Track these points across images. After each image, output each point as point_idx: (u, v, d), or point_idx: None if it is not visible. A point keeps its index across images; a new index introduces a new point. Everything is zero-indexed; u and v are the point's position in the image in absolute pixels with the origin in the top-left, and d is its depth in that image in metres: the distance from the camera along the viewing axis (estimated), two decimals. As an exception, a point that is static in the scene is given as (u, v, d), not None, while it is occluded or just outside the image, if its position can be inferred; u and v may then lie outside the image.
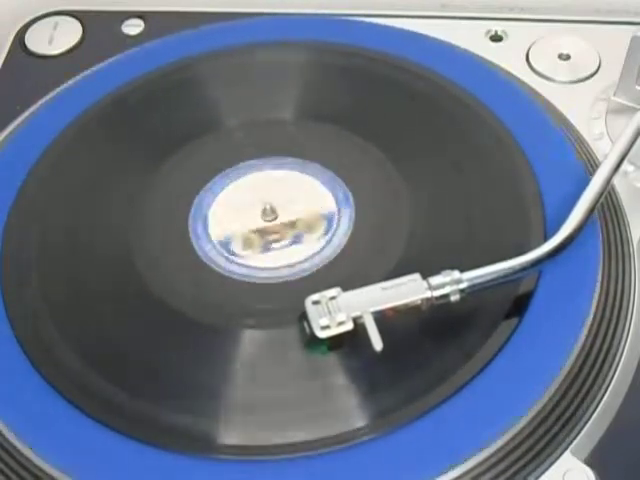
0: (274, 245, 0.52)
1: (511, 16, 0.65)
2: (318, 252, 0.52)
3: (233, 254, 0.52)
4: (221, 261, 0.52)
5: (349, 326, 0.44)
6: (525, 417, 0.44)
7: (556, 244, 0.47)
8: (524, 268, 0.46)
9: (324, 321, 0.44)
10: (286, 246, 0.52)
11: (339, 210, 0.53)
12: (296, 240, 0.52)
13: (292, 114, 0.59)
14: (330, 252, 0.52)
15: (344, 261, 0.51)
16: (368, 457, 0.43)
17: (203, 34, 0.63)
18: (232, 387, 0.46)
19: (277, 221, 0.53)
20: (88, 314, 0.50)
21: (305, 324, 0.45)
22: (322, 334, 0.44)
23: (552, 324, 0.47)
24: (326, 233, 0.52)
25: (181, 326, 0.49)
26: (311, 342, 0.45)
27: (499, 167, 0.54)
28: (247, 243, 0.53)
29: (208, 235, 0.53)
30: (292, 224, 0.53)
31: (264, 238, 0.53)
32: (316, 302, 0.45)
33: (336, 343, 0.45)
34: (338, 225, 0.53)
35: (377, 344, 0.43)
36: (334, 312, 0.44)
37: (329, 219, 0.53)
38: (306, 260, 0.51)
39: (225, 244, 0.53)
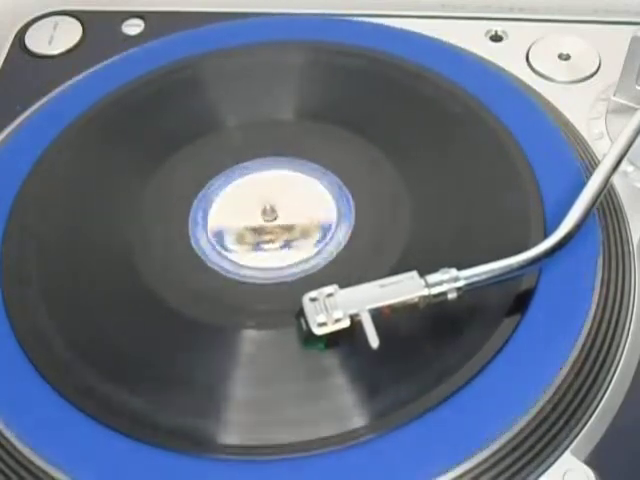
0: (266, 246, 0.52)
1: (511, 16, 0.65)
2: (318, 252, 0.52)
3: (231, 253, 0.52)
4: (220, 261, 0.52)
5: (346, 323, 0.44)
6: (525, 417, 0.44)
7: (554, 242, 0.47)
8: (522, 266, 0.46)
9: (321, 318, 0.44)
10: (277, 249, 0.52)
11: (339, 209, 0.53)
12: (288, 245, 0.52)
13: (292, 114, 0.59)
14: (330, 252, 0.52)
15: (344, 260, 0.51)
16: (367, 457, 0.43)
17: (203, 34, 0.63)
18: (231, 387, 0.46)
19: (276, 222, 0.53)
20: (88, 314, 0.50)
21: (302, 321, 0.45)
22: (319, 331, 0.44)
23: (552, 324, 0.47)
24: (326, 232, 0.52)
25: (181, 326, 0.49)
26: (308, 339, 0.45)
27: (499, 167, 0.54)
28: (239, 239, 0.53)
29: (208, 235, 0.53)
30: (289, 227, 0.53)
31: (258, 237, 0.53)
32: (313, 299, 0.45)
33: (333, 340, 0.45)
34: (338, 224, 0.53)
35: (374, 341, 0.43)
36: (331, 309, 0.44)
37: (329, 218, 0.53)
38: (306, 259, 0.51)
39: (224, 244, 0.53)
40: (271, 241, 0.53)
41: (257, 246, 0.53)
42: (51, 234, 0.53)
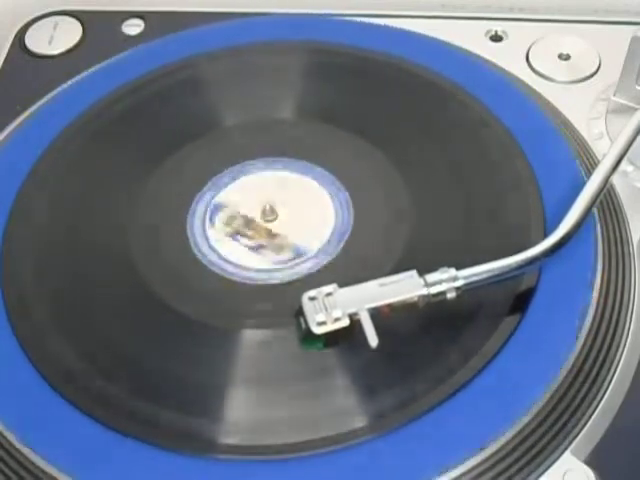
0: (241, 239, 0.53)
1: (511, 16, 0.66)
2: (317, 251, 0.52)
3: (230, 254, 0.52)
4: (220, 261, 0.52)
5: (345, 322, 0.44)
6: (525, 417, 0.44)
7: (554, 242, 0.47)
8: (521, 266, 0.46)
9: (320, 317, 0.44)
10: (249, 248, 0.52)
11: (338, 209, 0.53)
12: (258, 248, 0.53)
13: (291, 114, 0.59)
14: (329, 251, 0.52)
15: (343, 260, 0.51)
16: (367, 457, 0.43)
17: (203, 34, 0.63)
18: (231, 387, 0.46)
19: (275, 222, 0.54)
20: (88, 314, 0.50)
21: (301, 320, 0.45)
22: (318, 330, 0.44)
23: (552, 324, 0.47)
24: (325, 232, 0.52)
25: (181, 326, 0.49)
26: (307, 338, 0.45)
27: (499, 167, 0.54)
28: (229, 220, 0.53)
29: (207, 235, 0.53)
30: (274, 234, 0.53)
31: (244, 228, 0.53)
32: (312, 298, 0.45)
33: (332, 339, 0.45)
34: (337, 224, 0.53)
35: (372, 340, 0.43)
36: (330, 308, 0.44)
37: (328, 217, 0.53)
38: (305, 259, 0.51)
39: (222, 243, 0.53)
40: (251, 238, 0.53)
41: (235, 236, 0.53)
42: (51, 234, 0.53)
